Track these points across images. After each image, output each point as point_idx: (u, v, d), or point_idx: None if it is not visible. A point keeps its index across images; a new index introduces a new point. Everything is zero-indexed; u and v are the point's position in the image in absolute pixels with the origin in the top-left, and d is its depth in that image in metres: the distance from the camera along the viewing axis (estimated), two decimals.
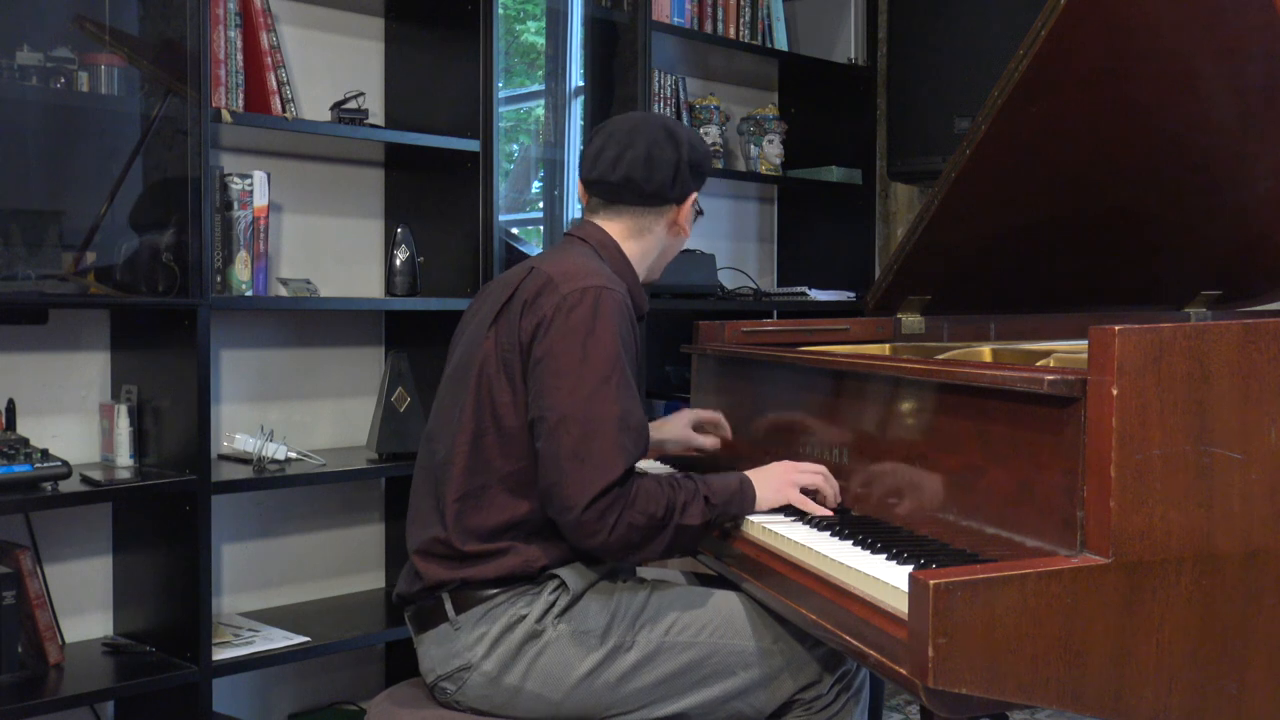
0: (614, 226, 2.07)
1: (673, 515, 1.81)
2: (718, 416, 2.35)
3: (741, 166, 3.94)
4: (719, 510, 1.87)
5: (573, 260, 1.96)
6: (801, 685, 1.90)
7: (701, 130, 3.73)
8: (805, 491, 1.94)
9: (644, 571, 2.12)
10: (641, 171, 2.02)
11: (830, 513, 1.90)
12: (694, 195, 2.10)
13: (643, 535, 1.79)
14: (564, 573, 1.87)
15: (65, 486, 2.34)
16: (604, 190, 2.06)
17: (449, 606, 1.88)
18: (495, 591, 1.86)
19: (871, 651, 1.41)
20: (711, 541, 1.97)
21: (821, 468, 1.96)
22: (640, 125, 2.05)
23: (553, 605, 1.86)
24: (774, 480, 1.94)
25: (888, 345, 2.45)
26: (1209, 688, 1.36)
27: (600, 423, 1.79)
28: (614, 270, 2.00)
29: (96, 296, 2.55)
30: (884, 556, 1.60)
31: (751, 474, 1.95)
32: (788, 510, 1.94)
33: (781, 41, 3.90)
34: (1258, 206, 2.25)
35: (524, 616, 1.85)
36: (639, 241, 2.08)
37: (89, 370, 2.69)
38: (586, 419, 1.79)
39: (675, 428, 2.35)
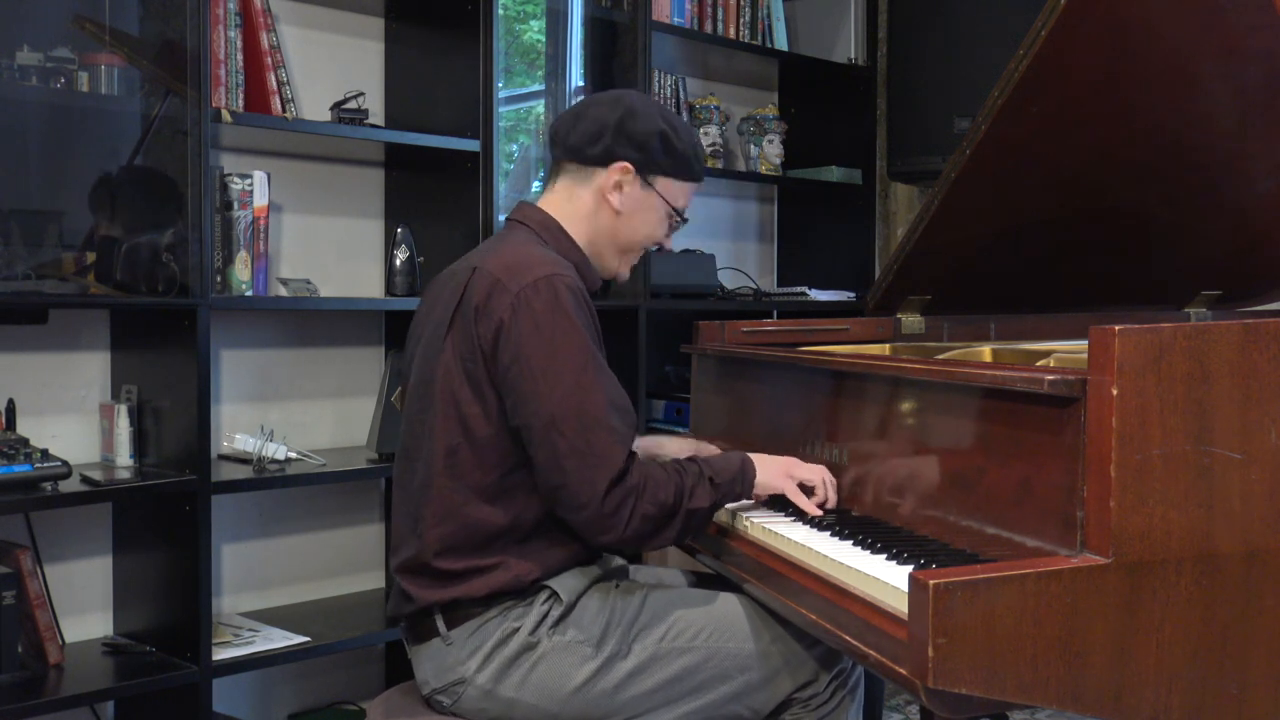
0: (549, 199, 2.01)
1: (682, 501, 1.80)
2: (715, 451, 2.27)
3: (741, 166, 3.94)
4: (723, 490, 1.86)
5: (513, 250, 1.91)
6: (799, 684, 1.89)
7: (701, 130, 3.72)
8: (802, 488, 1.93)
9: (641, 574, 2.11)
10: (567, 123, 1.99)
11: (819, 511, 1.90)
12: (625, 168, 1.95)
13: (655, 525, 1.79)
14: (555, 583, 1.85)
15: (65, 486, 2.34)
16: (549, 151, 2.03)
17: (440, 623, 1.86)
18: (487, 607, 1.84)
19: (871, 652, 1.41)
20: (711, 541, 1.97)
21: (823, 468, 1.96)
22: (603, 93, 2.02)
23: (545, 616, 1.84)
24: (774, 468, 1.94)
25: (888, 345, 2.45)
26: (1209, 688, 1.36)
27: (589, 415, 1.76)
28: (557, 250, 1.95)
29: (96, 296, 2.55)
30: (884, 556, 1.60)
31: (753, 457, 1.94)
32: (788, 510, 1.94)
33: (781, 41, 3.90)
34: (1258, 206, 2.25)
35: (517, 629, 1.83)
36: (570, 209, 1.98)
37: (89, 370, 2.69)
38: (575, 414, 1.76)
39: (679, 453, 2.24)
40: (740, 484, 1.90)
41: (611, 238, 2.01)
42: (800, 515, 1.90)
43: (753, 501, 1.98)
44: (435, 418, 1.86)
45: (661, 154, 1.97)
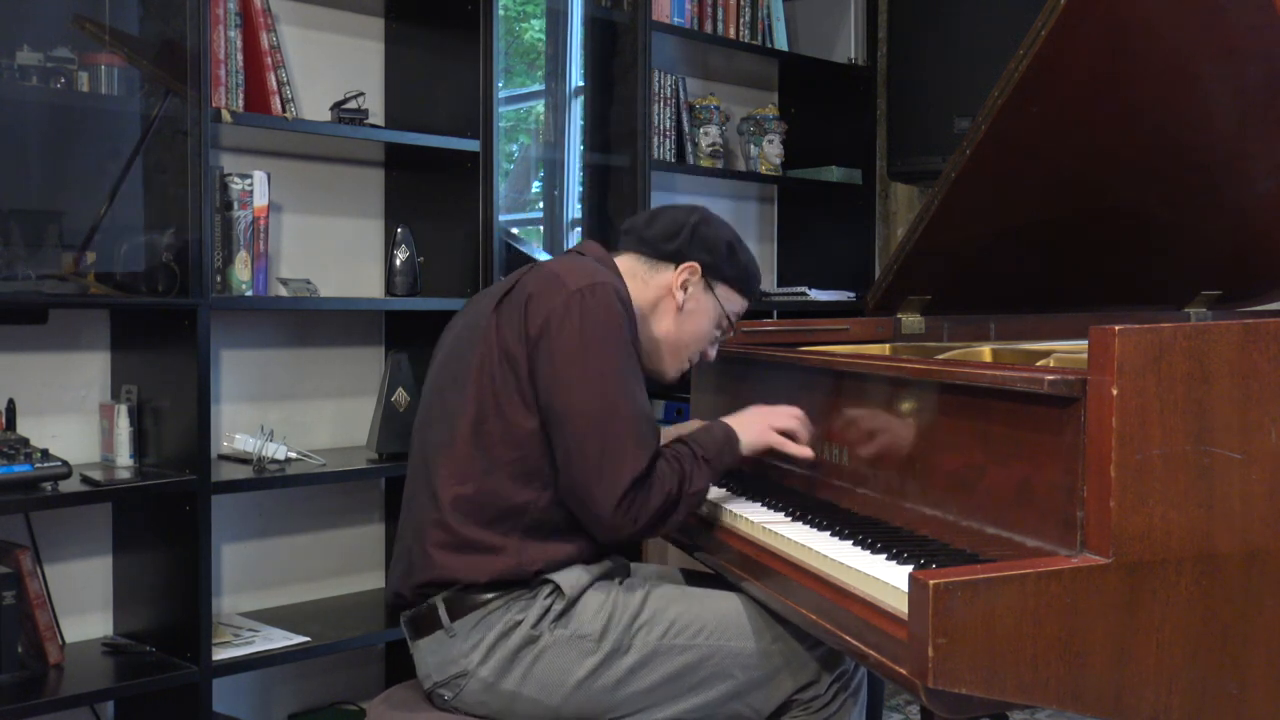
0: (616, 259, 2.10)
1: (684, 486, 1.87)
2: None
3: (741, 166, 3.94)
4: (715, 465, 1.94)
5: (576, 262, 1.98)
6: (800, 685, 1.90)
7: (701, 130, 3.72)
8: (784, 435, 2.02)
9: (642, 573, 2.11)
10: (644, 220, 2.10)
11: (810, 453, 1.98)
12: (694, 268, 2.04)
13: (662, 515, 1.85)
14: (558, 577, 1.87)
15: (65, 486, 2.34)
16: (618, 236, 2.13)
17: (443, 613, 1.87)
18: (490, 597, 1.86)
19: (871, 652, 1.41)
20: (711, 541, 1.97)
21: (797, 410, 2.03)
22: (674, 204, 2.15)
23: (548, 610, 1.85)
24: (755, 425, 2.01)
25: (888, 345, 2.45)
26: (1209, 688, 1.36)
27: (620, 418, 1.82)
28: None
29: (96, 296, 2.55)
30: (884, 556, 1.60)
31: (731, 421, 2.02)
32: (788, 510, 1.94)
33: (781, 41, 3.90)
34: (1258, 206, 2.25)
35: (520, 622, 1.85)
36: (630, 284, 2.05)
37: (89, 370, 2.69)
38: (606, 415, 1.82)
39: None
40: (729, 454, 1.97)
41: (666, 332, 2.08)
42: (801, 515, 1.90)
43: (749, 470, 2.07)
44: (469, 386, 1.90)
45: (727, 262, 2.08)
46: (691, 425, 2.30)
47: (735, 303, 2.12)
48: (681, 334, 2.08)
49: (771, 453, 2.02)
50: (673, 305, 2.06)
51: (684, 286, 2.06)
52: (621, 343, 1.87)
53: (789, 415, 2.03)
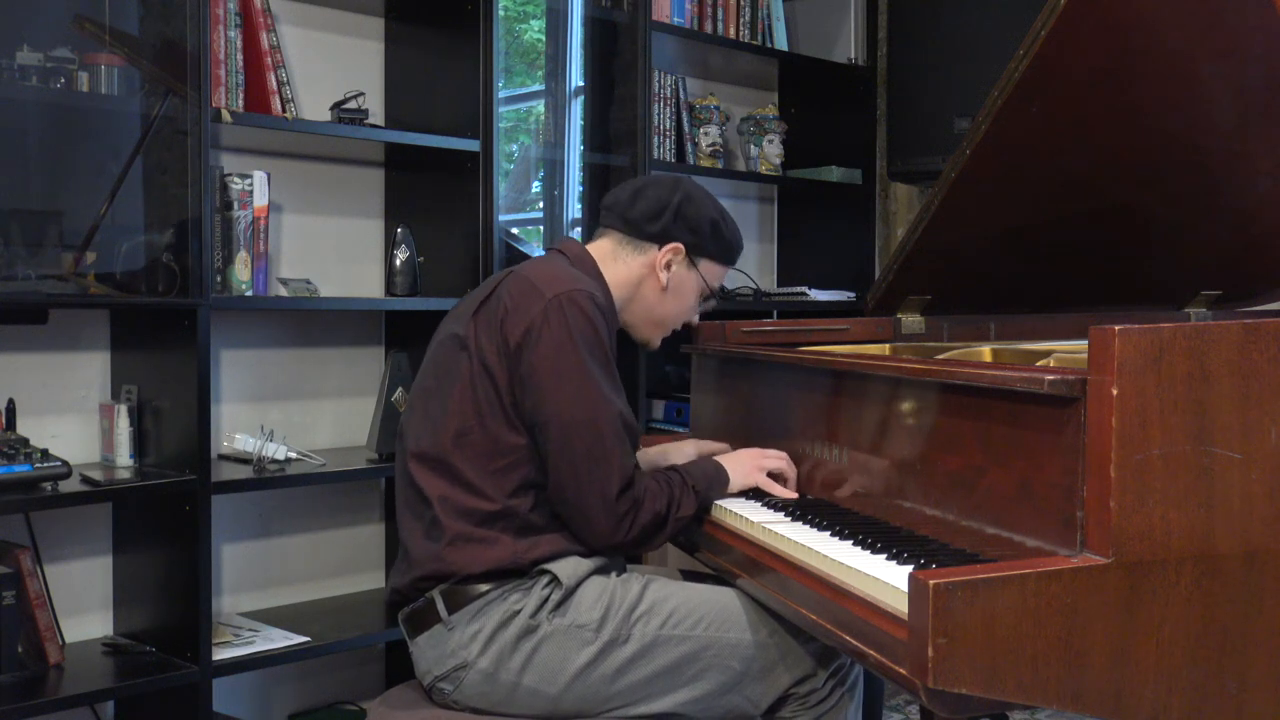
0: (593, 246, 2.12)
1: (672, 509, 1.93)
2: (725, 448, 2.32)
3: (741, 166, 3.94)
4: (703, 497, 2.00)
5: (548, 266, 2.01)
6: (796, 679, 1.91)
7: (701, 130, 3.72)
8: (771, 475, 2.08)
9: (638, 569, 2.12)
10: (627, 197, 2.10)
11: (794, 495, 2.04)
12: (678, 248, 2.08)
13: (649, 532, 1.92)
14: (555, 567, 1.89)
15: (65, 486, 2.34)
16: (600, 214, 2.14)
17: (441, 607, 1.89)
18: (487, 588, 1.88)
19: (871, 651, 1.41)
20: (711, 541, 1.98)
21: (784, 454, 2.10)
22: (659, 175, 2.17)
23: (546, 600, 1.87)
24: (743, 465, 2.08)
25: (888, 345, 2.45)
26: (1209, 688, 1.36)
27: (605, 425, 1.87)
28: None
29: (96, 296, 2.55)
30: (884, 556, 1.60)
31: (722, 459, 2.09)
32: (788, 510, 1.95)
33: (781, 41, 3.90)
34: (1258, 206, 2.25)
35: (518, 612, 1.86)
36: (612, 266, 2.09)
37: (89, 370, 2.69)
38: (593, 422, 1.87)
39: (680, 458, 2.30)
40: (718, 489, 2.04)
41: (649, 309, 2.13)
42: (801, 515, 1.90)
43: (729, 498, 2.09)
44: (452, 397, 1.92)
45: (710, 239, 2.12)
46: (683, 447, 2.33)
47: (718, 273, 2.17)
48: (666, 310, 2.14)
49: (757, 491, 2.08)
50: (656, 283, 2.10)
51: (668, 265, 2.09)
52: (601, 349, 1.91)
53: (777, 458, 2.09)
